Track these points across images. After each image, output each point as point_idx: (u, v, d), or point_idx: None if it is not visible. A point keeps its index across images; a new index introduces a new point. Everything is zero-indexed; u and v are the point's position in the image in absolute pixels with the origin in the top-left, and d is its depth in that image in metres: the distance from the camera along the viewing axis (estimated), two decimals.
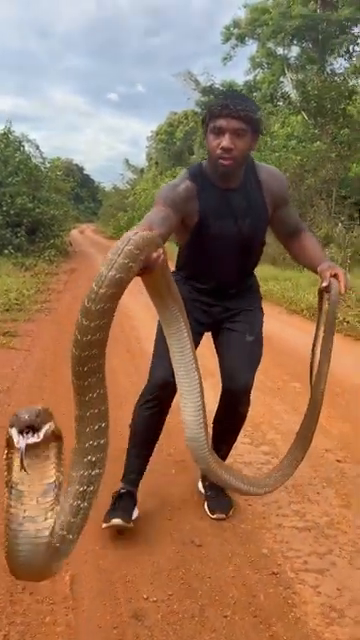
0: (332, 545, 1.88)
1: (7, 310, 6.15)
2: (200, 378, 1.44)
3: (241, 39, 20.18)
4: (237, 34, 20.09)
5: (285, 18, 17.73)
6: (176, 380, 1.46)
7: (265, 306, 2.05)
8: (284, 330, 5.20)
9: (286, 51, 19.41)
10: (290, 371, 3.87)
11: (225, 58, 20.54)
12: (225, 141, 1.62)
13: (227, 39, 20.33)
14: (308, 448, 1.81)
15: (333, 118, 12.26)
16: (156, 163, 31.08)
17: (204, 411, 1.45)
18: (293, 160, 12.42)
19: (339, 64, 18.80)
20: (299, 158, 12.32)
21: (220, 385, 1.96)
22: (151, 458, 2.01)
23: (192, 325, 1.87)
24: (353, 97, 13.39)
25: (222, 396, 1.98)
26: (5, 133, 13.95)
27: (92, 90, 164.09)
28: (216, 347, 2.00)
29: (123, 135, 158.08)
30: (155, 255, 1.19)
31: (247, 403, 1.95)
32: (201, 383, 1.45)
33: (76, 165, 48.15)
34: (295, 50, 19.48)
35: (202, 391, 1.45)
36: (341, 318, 5.61)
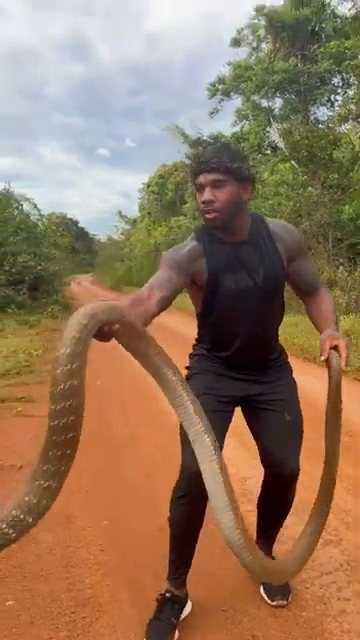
0: None
1: (18, 373, 6.05)
2: (215, 443, 1.32)
3: (226, 94, 21.12)
4: (222, 89, 21.03)
5: (268, 73, 18.66)
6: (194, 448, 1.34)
7: None
8: (299, 378, 5.11)
9: (270, 103, 20.33)
10: (308, 424, 3.75)
11: (212, 112, 21.46)
12: (205, 195, 1.63)
13: (213, 95, 21.28)
14: (324, 526, 1.78)
15: (322, 164, 12.64)
16: (149, 213, 31.74)
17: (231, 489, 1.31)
18: (286, 206, 12.71)
19: (322, 112, 19.68)
20: (292, 204, 12.60)
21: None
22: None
23: (220, 402, 1.78)
24: (338, 143, 13.90)
25: (266, 482, 1.90)
26: (5, 194, 14.31)
27: (83, 147, 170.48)
28: (252, 427, 1.89)
29: (115, 188, 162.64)
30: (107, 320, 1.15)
31: (294, 489, 1.87)
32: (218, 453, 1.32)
33: (70, 219, 49.19)
34: (279, 102, 20.41)
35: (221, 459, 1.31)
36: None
